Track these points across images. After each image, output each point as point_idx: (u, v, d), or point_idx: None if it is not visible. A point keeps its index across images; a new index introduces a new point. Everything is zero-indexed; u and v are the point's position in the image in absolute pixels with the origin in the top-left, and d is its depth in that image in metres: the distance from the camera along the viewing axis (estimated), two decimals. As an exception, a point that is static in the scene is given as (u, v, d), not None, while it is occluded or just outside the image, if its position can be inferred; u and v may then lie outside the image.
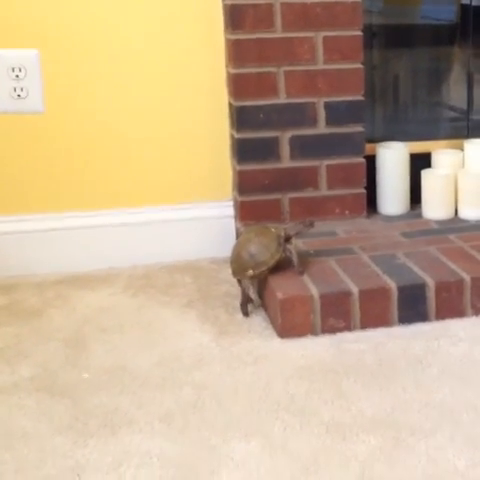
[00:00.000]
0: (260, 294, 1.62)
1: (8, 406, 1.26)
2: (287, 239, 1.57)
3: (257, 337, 1.48)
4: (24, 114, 1.78)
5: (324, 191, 1.85)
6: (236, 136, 1.80)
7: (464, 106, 2.12)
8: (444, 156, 1.92)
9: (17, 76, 1.75)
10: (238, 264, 1.57)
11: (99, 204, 1.84)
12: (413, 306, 1.51)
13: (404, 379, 1.31)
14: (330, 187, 1.85)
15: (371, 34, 2.01)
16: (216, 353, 1.42)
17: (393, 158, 1.90)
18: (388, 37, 2.11)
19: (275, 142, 1.81)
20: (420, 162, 1.91)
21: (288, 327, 1.47)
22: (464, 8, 2.11)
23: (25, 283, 1.76)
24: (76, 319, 1.58)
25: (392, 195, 1.91)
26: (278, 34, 1.76)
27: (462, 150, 1.92)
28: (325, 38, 1.78)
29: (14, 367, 1.39)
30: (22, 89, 1.76)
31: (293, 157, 1.82)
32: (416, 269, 1.56)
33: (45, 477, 1.08)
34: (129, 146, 1.84)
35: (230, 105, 1.83)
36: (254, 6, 1.74)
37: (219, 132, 1.86)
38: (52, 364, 1.39)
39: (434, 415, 1.20)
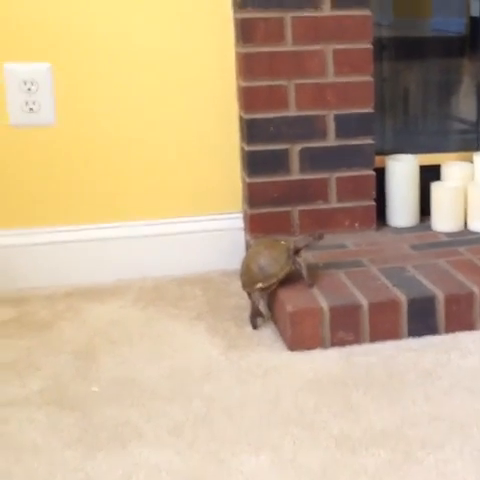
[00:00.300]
0: (270, 307, 1.62)
1: (18, 419, 1.26)
2: (296, 252, 1.57)
3: (266, 350, 1.48)
4: (36, 127, 1.79)
5: (334, 203, 1.85)
6: (246, 149, 1.80)
7: (474, 118, 2.13)
8: (454, 168, 1.92)
9: (29, 89, 1.76)
10: (248, 277, 1.57)
11: (109, 216, 1.85)
12: (423, 319, 1.51)
13: (414, 392, 1.31)
14: (340, 199, 1.85)
15: (381, 47, 2.02)
16: (225, 366, 1.42)
17: (403, 170, 1.90)
18: (398, 50, 2.12)
19: (285, 155, 1.81)
20: (430, 174, 1.91)
21: (297, 340, 1.47)
22: (473, 20, 2.11)
23: (35, 296, 1.76)
24: (86, 331, 1.58)
25: (402, 207, 1.91)
26: (288, 47, 1.77)
27: (472, 162, 1.92)
28: (335, 51, 1.79)
29: (25, 380, 1.39)
30: (34, 102, 1.77)
31: (303, 170, 1.82)
32: (426, 282, 1.56)
33: (55, 490, 1.08)
34: (140, 159, 1.85)
35: (240, 118, 1.84)
36: (265, 19, 1.75)
37: (229, 145, 1.86)
38: (62, 377, 1.40)
39: (444, 428, 1.20)
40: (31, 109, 1.77)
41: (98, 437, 1.20)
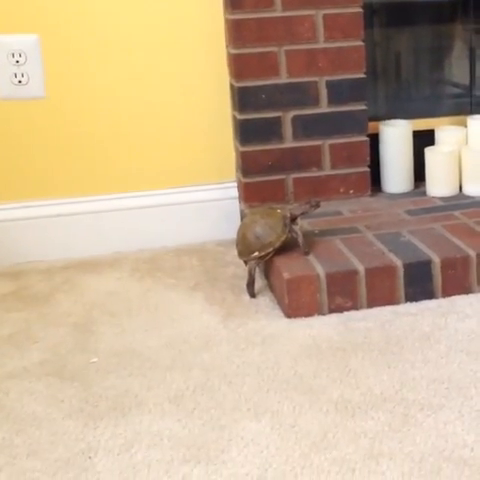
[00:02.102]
0: (266, 275, 1.62)
1: (19, 391, 1.27)
2: (292, 220, 1.57)
3: (264, 317, 1.49)
4: (25, 100, 1.78)
5: (328, 170, 1.85)
6: (238, 117, 1.80)
7: (467, 82, 2.12)
8: (447, 133, 1.91)
9: (17, 62, 1.75)
10: (244, 246, 1.57)
11: (103, 188, 1.85)
12: (419, 283, 1.51)
13: (412, 356, 1.32)
14: (334, 166, 1.84)
15: (372, 12, 2.00)
16: (224, 334, 1.43)
17: (396, 136, 1.89)
18: (389, 15, 2.10)
19: (277, 122, 1.80)
20: (423, 139, 1.90)
21: (295, 307, 1.48)
22: (465, -16, 2.10)
23: (32, 269, 1.77)
24: (84, 303, 1.58)
25: (396, 173, 1.91)
26: (278, 13, 1.76)
27: (465, 126, 1.92)
28: (325, 16, 1.77)
29: (24, 352, 1.40)
30: (23, 75, 1.76)
31: (296, 137, 1.82)
32: (421, 246, 1.56)
33: (57, 460, 1.09)
34: (131, 130, 1.84)
35: (231, 86, 1.82)
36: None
37: (222, 113, 1.86)
38: (61, 348, 1.41)
39: (442, 391, 1.21)
40: (20, 82, 1.76)
41: (99, 407, 1.21)
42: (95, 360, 1.35)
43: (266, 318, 1.48)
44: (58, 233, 1.83)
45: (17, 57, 1.75)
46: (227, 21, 1.78)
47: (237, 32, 1.75)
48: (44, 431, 1.15)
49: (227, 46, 1.82)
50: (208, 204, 1.89)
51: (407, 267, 1.51)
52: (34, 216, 1.81)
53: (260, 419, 1.16)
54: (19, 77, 1.76)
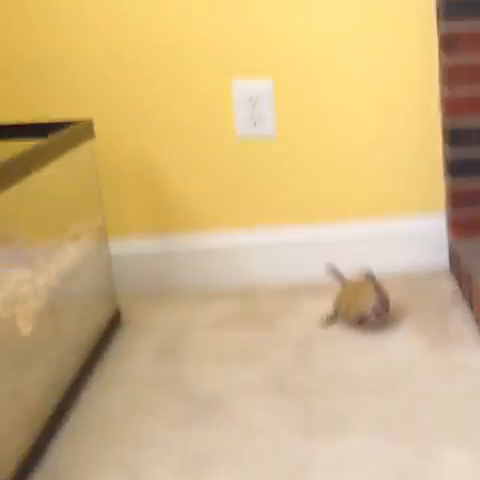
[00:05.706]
0: (471, 305, 1.63)
1: (246, 403, 1.37)
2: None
3: (470, 348, 1.49)
4: (258, 139, 1.89)
5: None
6: (450, 152, 1.83)
7: None
8: None
9: (254, 105, 1.86)
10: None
11: (326, 218, 1.94)
12: None
13: None
14: None
15: None
16: (431, 362, 1.45)
17: None
18: None
19: (488, 158, 1.81)
20: None
21: (501, 340, 1.46)
22: None
23: (259, 290, 1.88)
24: (305, 326, 1.67)
25: None
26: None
27: None
28: None
29: (249, 369, 1.49)
30: (257, 116, 1.87)
31: (508, 172, 1.81)
32: None
33: (279, 469, 1.17)
34: (348, 163, 1.91)
35: (443, 122, 1.86)
36: (467, 29, 1.75)
37: (431, 147, 1.89)
38: (283, 367, 1.49)
39: None
40: (255, 123, 1.88)
41: (315, 424, 1.28)
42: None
43: (472, 349, 1.49)
44: (286, 258, 1.92)
45: (254, 101, 1.86)
46: (442, 63, 1.83)
47: (451, 74, 1.79)
48: (267, 441, 1.24)
49: (441, 86, 1.85)
50: (415, 235, 1.91)
51: None
52: (266, 243, 1.92)
53: (464, 449, 1.16)
54: (255, 118, 1.87)
